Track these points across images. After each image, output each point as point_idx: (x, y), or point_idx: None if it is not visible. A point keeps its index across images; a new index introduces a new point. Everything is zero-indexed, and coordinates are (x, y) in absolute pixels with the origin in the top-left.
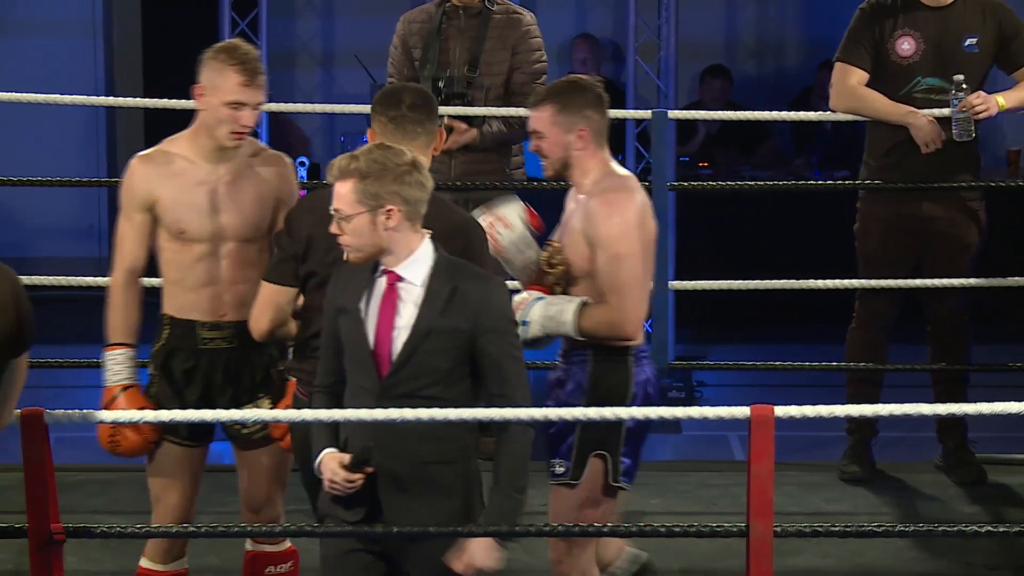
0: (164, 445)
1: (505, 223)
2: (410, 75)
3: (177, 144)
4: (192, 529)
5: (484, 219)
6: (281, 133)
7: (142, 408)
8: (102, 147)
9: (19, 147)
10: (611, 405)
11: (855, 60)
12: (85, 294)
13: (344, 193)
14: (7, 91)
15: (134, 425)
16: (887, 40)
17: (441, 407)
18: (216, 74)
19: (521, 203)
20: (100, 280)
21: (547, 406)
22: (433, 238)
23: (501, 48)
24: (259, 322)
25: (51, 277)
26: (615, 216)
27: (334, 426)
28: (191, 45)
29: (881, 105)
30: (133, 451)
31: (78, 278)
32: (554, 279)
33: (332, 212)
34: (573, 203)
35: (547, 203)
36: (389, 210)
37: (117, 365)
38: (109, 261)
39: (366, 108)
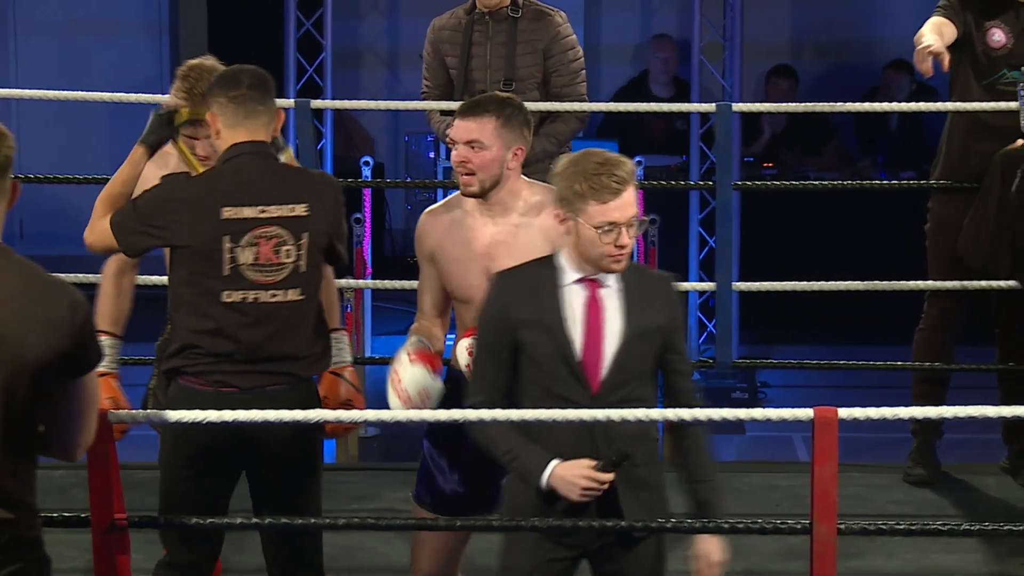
0: None
1: (398, 376)
2: (445, 82)
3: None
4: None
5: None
6: (346, 132)
7: (110, 397)
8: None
9: (85, 146)
10: None
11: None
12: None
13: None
14: (74, 90)
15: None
16: (978, 28)
17: (645, 407)
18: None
19: (411, 349)
20: (157, 279)
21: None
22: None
23: (532, 52)
24: (91, 240)
25: None
26: None
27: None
28: (257, 45)
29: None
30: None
31: (140, 276)
32: None
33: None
34: (500, 224)
35: None
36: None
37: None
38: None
39: (431, 104)
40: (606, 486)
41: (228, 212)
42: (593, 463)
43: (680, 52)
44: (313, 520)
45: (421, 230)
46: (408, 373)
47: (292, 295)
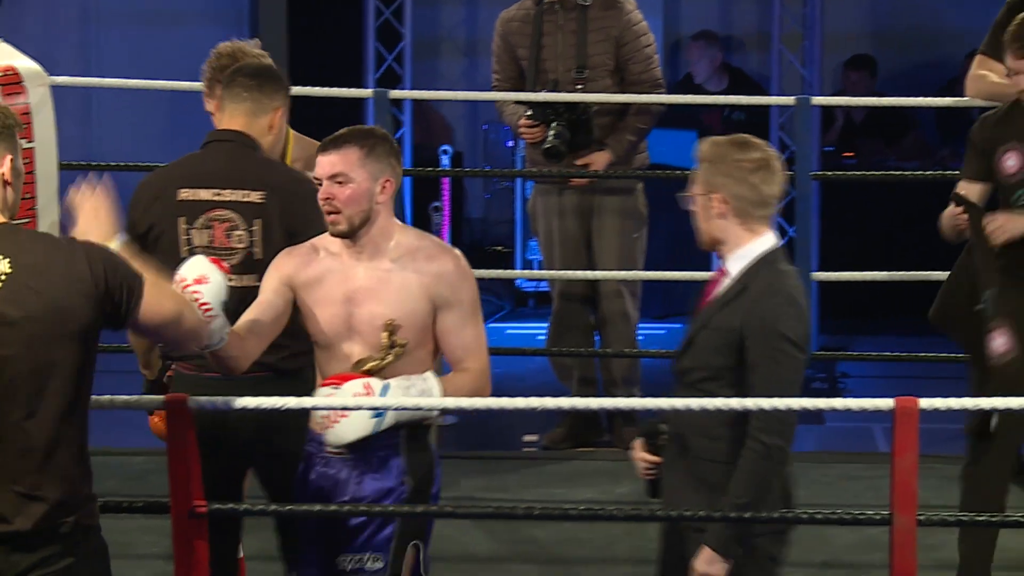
0: None
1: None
2: (516, 74)
3: None
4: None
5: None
6: (425, 121)
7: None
8: None
9: (165, 135)
10: (426, 490)
11: (993, 52)
12: None
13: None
14: (153, 79)
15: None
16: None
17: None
18: None
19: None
20: None
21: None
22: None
23: (604, 40)
24: None
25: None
26: (470, 275)
27: None
28: (336, 33)
29: (997, 86)
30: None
31: None
32: (393, 359)
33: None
34: (370, 267)
35: (671, 192)
36: (717, 198)
37: None
38: None
39: (508, 95)
40: (654, 467)
41: (184, 194)
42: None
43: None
44: (392, 507)
45: (279, 261)
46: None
47: (247, 281)
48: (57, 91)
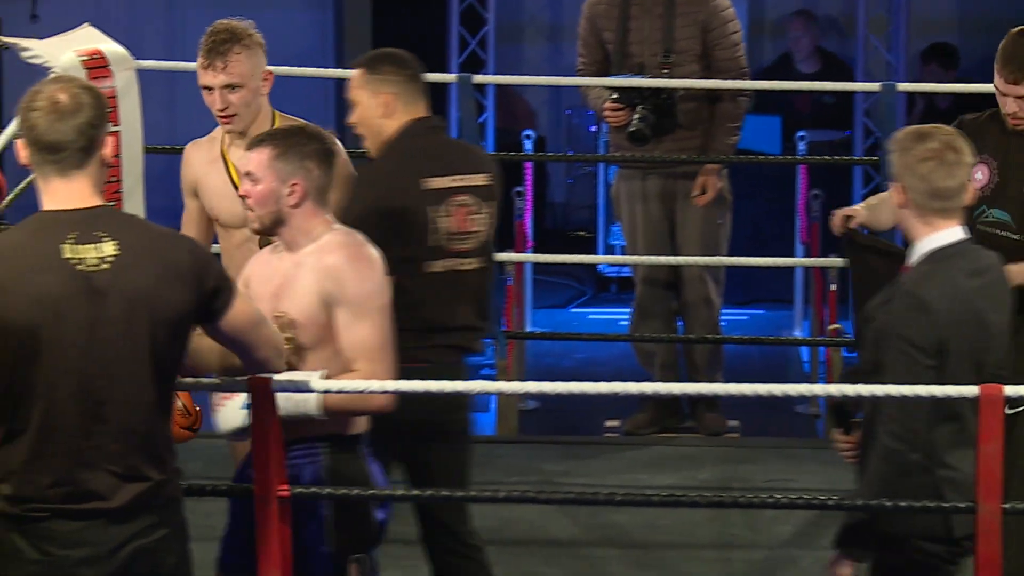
0: None
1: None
2: (601, 59)
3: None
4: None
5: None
6: (508, 106)
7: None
8: (331, 119)
9: None
10: (356, 504)
11: None
12: None
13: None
14: None
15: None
16: None
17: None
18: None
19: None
20: None
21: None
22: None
23: (691, 25)
24: None
25: None
26: (366, 271)
27: None
28: (420, 18)
29: None
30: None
31: None
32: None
33: None
34: (288, 263)
35: (754, 178)
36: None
37: None
38: None
39: (591, 80)
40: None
41: (431, 183)
42: None
43: (828, 28)
44: (474, 492)
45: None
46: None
47: (477, 263)
48: (143, 75)
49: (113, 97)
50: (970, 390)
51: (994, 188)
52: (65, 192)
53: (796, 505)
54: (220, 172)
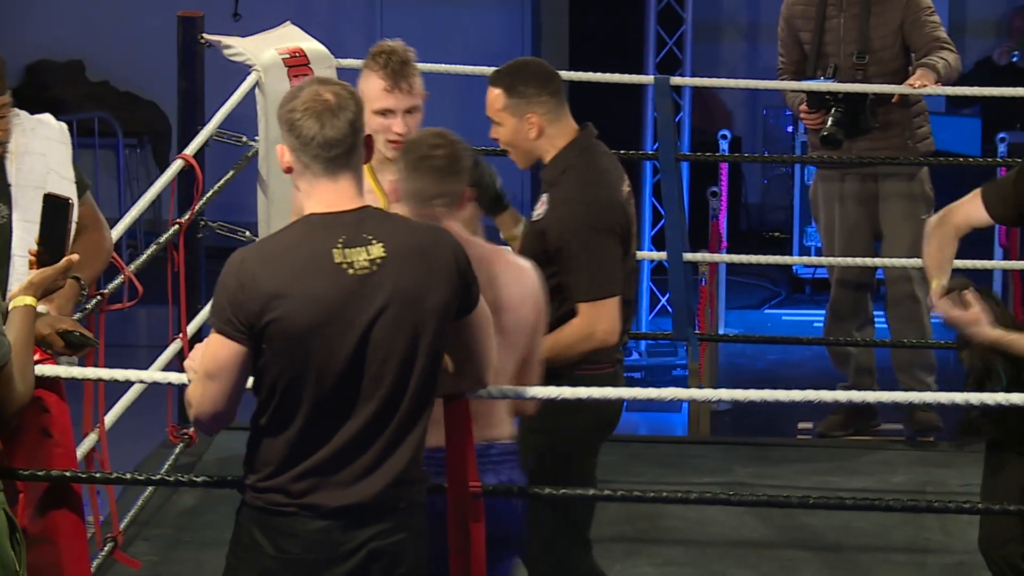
0: None
1: None
2: (799, 59)
3: None
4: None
5: None
6: (704, 106)
7: None
8: None
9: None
10: None
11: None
12: None
13: None
14: (435, 62)
15: None
16: None
17: None
18: (364, 80)
19: None
20: None
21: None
22: None
23: (886, 23)
24: None
25: None
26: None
27: None
28: (617, 17)
29: None
30: None
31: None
32: None
33: None
34: None
35: (954, 179)
36: None
37: None
38: None
39: (787, 84)
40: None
41: (623, 191)
42: None
43: None
44: (665, 493)
45: None
46: None
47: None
48: (343, 73)
49: None
50: None
51: None
52: (333, 194)
53: (992, 511)
54: (372, 202)
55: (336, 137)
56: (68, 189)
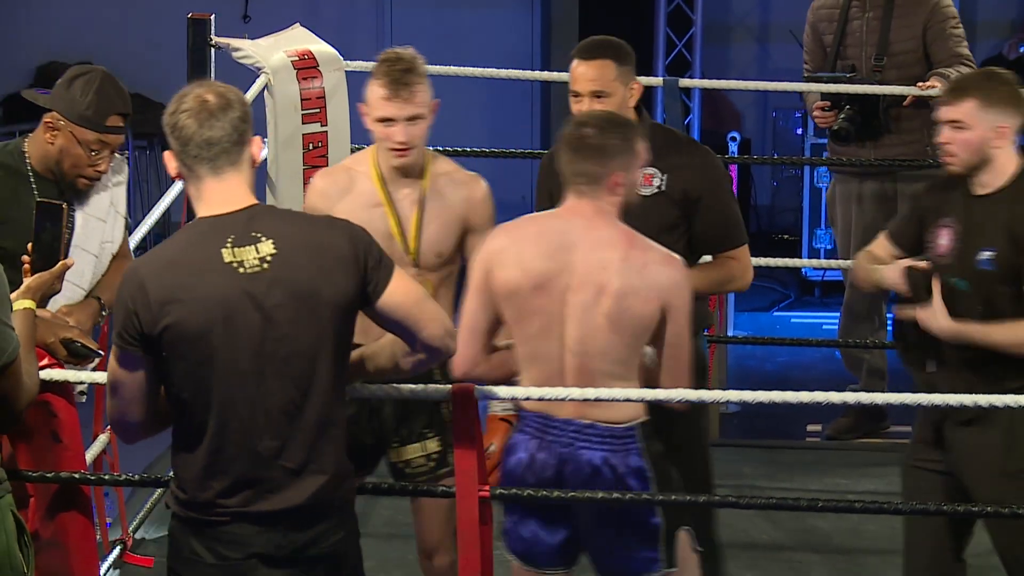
0: None
1: None
2: (822, 62)
3: (362, 162)
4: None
5: None
6: (714, 108)
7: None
8: (536, 120)
9: (453, 119)
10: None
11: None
12: None
13: None
14: (444, 63)
15: None
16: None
17: None
18: (367, 88)
19: None
20: None
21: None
22: None
23: (908, 27)
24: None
25: None
26: None
27: None
28: (627, 20)
29: None
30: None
31: None
32: None
33: None
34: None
35: None
36: None
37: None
38: None
39: (795, 85)
40: None
41: None
42: None
43: None
44: (673, 496)
45: None
46: None
47: None
48: (352, 76)
49: (322, 98)
50: None
51: (956, 255)
52: (220, 194)
53: (1001, 514)
54: (381, 215)
55: (216, 137)
56: (120, 224)
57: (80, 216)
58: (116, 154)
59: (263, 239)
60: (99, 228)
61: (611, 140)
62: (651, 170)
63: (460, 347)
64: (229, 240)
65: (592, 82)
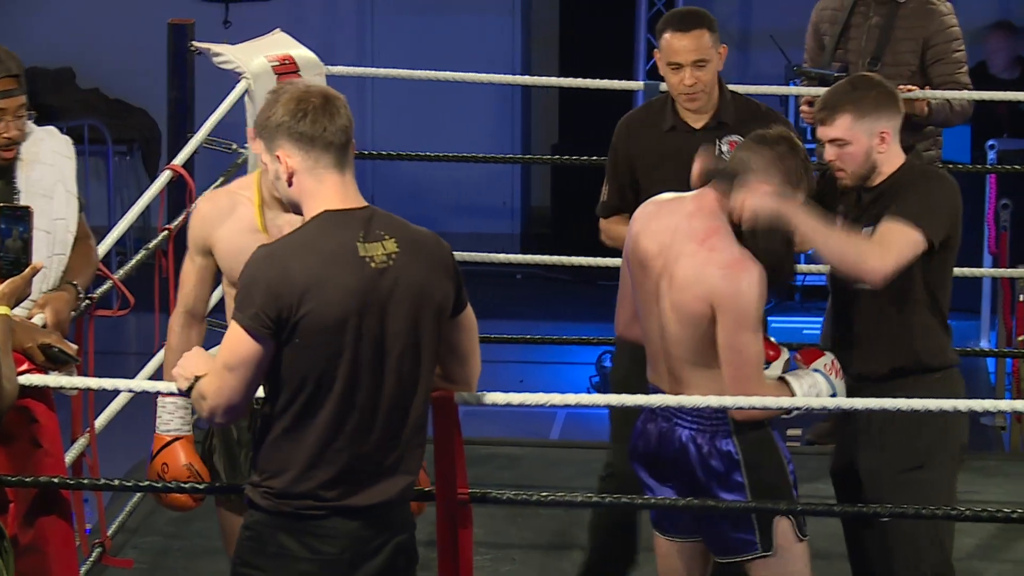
0: None
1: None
2: (820, 62)
3: (247, 187)
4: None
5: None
6: None
7: (190, 463)
8: (517, 125)
9: (436, 123)
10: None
11: None
12: (498, 270)
13: None
14: (426, 68)
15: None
16: None
17: None
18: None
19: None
20: (513, 257)
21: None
22: None
23: (909, 39)
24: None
25: (466, 253)
26: None
27: None
28: (608, 24)
29: None
30: (181, 506)
31: (491, 254)
32: None
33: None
34: None
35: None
36: None
37: (168, 414)
38: (521, 238)
39: (780, 89)
40: None
41: None
42: None
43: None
44: (654, 500)
45: None
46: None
47: None
48: (333, 81)
49: None
50: None
51: None
52: (343, 190)
53: (980, 518)
54: (259, 241)
55: (342, 134)
56: (72, 203)
57: (23, 196)
58: (33, 123)
59: (387, 237)
60: (46, 204)
61: (764, 154)
62: (735, 137)
63: (617, 310)
64: (360, 234)
65: (693, 52)
